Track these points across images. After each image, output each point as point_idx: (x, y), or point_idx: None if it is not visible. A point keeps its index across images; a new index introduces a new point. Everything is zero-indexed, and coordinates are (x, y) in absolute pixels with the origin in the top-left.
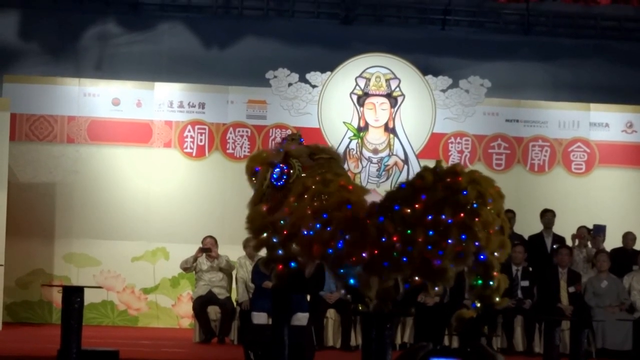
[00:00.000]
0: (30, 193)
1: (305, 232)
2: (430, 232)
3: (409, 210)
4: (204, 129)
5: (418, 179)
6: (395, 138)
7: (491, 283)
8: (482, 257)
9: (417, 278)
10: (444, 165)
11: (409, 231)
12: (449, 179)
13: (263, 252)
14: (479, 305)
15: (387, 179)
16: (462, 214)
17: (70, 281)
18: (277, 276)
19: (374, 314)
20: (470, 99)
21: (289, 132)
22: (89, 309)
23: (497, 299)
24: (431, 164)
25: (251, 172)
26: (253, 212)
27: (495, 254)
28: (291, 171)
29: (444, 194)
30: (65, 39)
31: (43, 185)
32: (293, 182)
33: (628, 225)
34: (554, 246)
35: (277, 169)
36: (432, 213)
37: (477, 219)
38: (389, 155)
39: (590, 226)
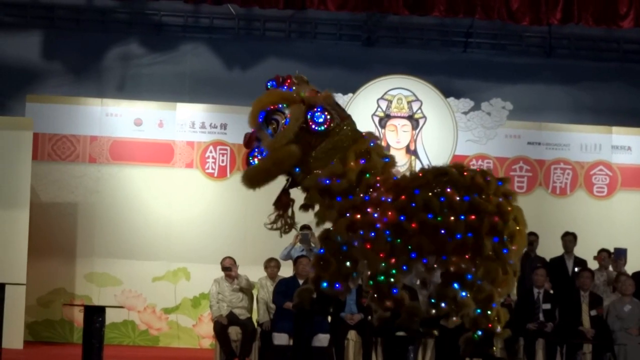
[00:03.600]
0: (52, 212)
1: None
2: (469, 234)
3: (457, 198)
4: (226, 149)
5: (481, 177)
6: (417, 160)
7: (489, 312)
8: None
9: (443, 305)
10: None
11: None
12: (501, 200)
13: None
14: (479, 333)
15: None
16: (496, 238)
17: (92, 300)
18: (299, 295)
19: (396, 336)
20: (492, 121)
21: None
22: (110, 328)
23: (499, 328)
24: None
25: (270, 109)
26: (284, 152)
27: (499, 289)
28: (334, 117)
29: (492, 209)
30: (88, 59)
31: (65, 205)
32: (333, 132)
33: None
34: (576, 269)
35: (321, 113)
36: (476, 215)
37: (504, 251)
38: None
39: (612, 249)
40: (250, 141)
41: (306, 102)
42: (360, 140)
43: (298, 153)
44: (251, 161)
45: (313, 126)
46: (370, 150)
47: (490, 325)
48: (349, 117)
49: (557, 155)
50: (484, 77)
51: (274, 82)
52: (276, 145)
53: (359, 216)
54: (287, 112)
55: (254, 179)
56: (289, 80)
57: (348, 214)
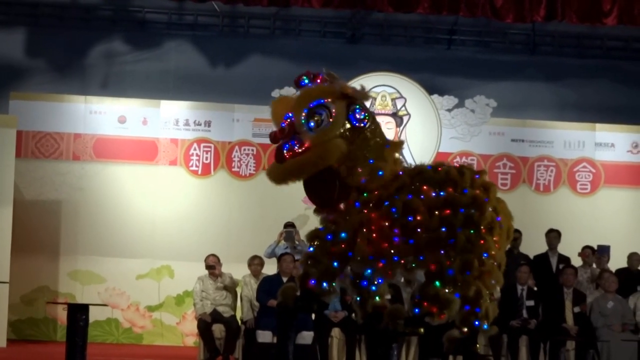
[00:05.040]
0: (36, 210)
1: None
2: (443, 229)
3: (433, 194)
4: (210, 147)
5: (457, 171)
6: (401, 157)
7: (478, 310)
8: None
9: (426, 304)
10: (485, 177)
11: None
12: (478, 192)
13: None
14: (465, 329)
15: None
16: (472, 230)
17: (75, 298)
18: (282, 293)
19: (380, 333)
20: (475, 118)
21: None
22: (94, 326)
23: (486, 326)
24: None
25: (315, 104)
26: (332, 146)
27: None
28: (369, 116)
29: (467, 201)
30: (72, 56)
31: (48, 203)
32: (366, 131)
33: (633, 245)
34: (560, 266)
35: (361, 110)
36: (450, 208)
37: (481, 242)
38: None
39: (595, 246)
40: (288, 134)
41: (348, 98)
42: (392, 145)
43: (345, 147)
44: (286, 155)
45: (355, 122)
46: (397, 160)
47: (478, 323)
48: (374, 116)
49: (541, 152)
50: (468, 75)
51: (307, 78)
52: (324, 138)
53: (373, 215)
54: (332, 107)
55: (296, 172)
56: (320, 77)
57: (365, 211)
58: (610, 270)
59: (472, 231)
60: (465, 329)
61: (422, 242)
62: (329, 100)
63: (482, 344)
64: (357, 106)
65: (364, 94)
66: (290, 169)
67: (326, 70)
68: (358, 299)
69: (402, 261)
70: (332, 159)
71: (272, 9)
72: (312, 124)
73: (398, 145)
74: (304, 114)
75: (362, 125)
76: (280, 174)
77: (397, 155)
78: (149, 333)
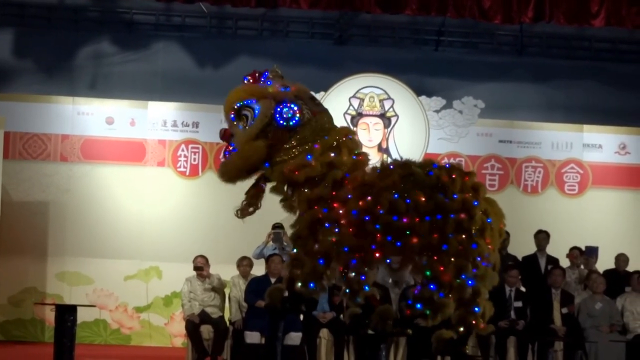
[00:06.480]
0: (24, 211)
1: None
2: (435, 235)
3: (423, 199)
4: (198, 148)
5: (447, 175)
6: (389, 158)
7: (476, 309)
8: (470, 282)
9: (419, 307)
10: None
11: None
12: (467, 195)
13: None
14: (461, 329)
15: None
16: (463, 235)
17: (63, 299)
18: (269, 295)
19: (368, 334)
20: (463, 119)
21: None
22: (82, 327)
23: (482, 325)
24: None
25: (237, 105)
26: (250, 148)
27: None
28: (304, 112)
29: (457, 207)
30: (60, 57)
31: (36, 204)
32: (303, 127)
33: (621, 246)
34: (548, 267)
35: (289, 109)
36: (441, 214)
37: (474, 246)
38: None
39: (583, 247)
40: (225, 137)
41: (275, 97)
42: (332, 134)
43: (264, 148)
44: (222, 157)
45: (280, 121)
46: (341, 145)
47: (474, 322)
48: (322, 111)
49: (529, 153)
50: (456, 76)
51: (249, 78)
52: (242, 140)
53: (325, 210)
54: (256, 107)
55: (227, 174)
56: (264, 75)
57: (316, 207)
58: (598, 271)
59: (463, 236)
60: (462, 329)
61: (412, 246)
62: (255, 100)
63: (470, 345)
64: (284, 103)
65: (297, 92)
66: (222, 171)
67: (273, 68)
68: (348, 291)
69: (388, 261)
70: (252, 160)
71: (259, 10)
72: (240, 125)
73: (340, 134)
74: (232, 115)
75: (291, 123)
76: (218, 175)
77: (355, 147)
78: (137, 334)
